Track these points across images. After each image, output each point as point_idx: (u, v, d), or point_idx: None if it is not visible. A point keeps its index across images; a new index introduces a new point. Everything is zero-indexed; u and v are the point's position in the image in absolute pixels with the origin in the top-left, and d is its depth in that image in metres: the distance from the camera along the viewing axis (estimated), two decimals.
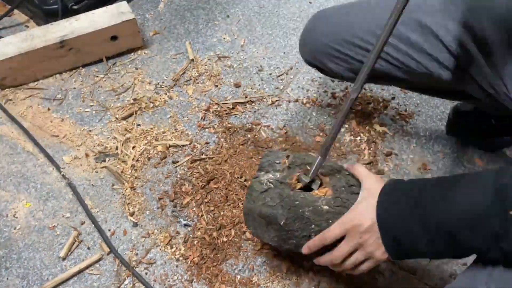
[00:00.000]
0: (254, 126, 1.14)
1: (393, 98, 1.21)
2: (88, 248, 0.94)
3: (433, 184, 0.60)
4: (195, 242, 0.94)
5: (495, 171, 0.54)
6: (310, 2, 1.48)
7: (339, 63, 0.89)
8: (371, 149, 1.09)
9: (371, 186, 0.67)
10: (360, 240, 0.64)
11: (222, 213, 0.98)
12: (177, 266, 0.91)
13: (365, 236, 0.63)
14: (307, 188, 0.75)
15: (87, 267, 0.91)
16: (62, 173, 1.05)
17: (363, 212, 0.64)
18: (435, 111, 1.18)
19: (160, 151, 1.09)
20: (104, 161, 1.08)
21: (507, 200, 0.51)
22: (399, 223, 0.60)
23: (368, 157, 1.08)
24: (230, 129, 1.13)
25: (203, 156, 1.08)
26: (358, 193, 0.70)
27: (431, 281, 0.90)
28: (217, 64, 1.30)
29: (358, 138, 1.11)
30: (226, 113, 1.17)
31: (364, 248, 0.64)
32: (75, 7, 1.35)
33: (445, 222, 0.56)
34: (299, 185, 0.75)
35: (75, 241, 0.95)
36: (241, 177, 1.03)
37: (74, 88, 1.24)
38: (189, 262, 0.91)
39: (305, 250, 0.72)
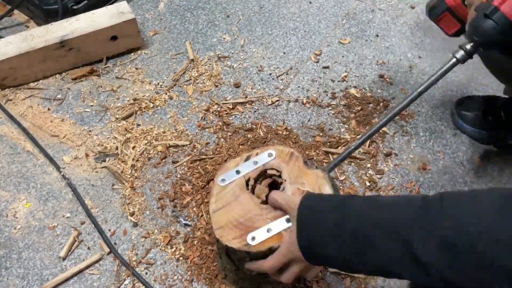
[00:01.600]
0: (254, 126, 1.14)
1: (393, 98, 1.21)
2: (88, 248, 0.94)
3: (357, 197, 0.62)
4: (195, 242, 0.94)
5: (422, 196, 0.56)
6: (310, 2, 1.48)
7: None
8: (372, 147, 1.09)
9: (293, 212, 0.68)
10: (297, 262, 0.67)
11: None
12: (177, 266, 0.91)
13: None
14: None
15: (87, 267, 0.91)
16: (62, 173, 1.05)
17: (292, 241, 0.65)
18: (435, 111, 1.18)
19: (160, 151, 1.09)
20: (104, 161, 1.08)
21: (429, 216, 0.51)
22: (314, 225, 0.61)
23: (368, 156, 1.08)
24: (230, 129, 1.13)
25: (203, 156, 1.08)
26: None
27: None
28: (217, 64, 1.30)
29: (358, 137, 1.11)
30: (226, 113, 1.17)
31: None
32: (75, 7, 1.35)
33: (361, 227, 0.56)
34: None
35: (75, 241, 0.95)
36: None
37: (74, 88, 1.24)
38: (189, 262, 0.91)
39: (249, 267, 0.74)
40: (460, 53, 0.74)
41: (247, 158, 0.80)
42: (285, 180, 0.76)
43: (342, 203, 0.61)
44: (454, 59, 0.75)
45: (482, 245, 0.46)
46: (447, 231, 0.49)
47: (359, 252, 0.56)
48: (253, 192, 0.77)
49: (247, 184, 0.77)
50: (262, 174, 0.79)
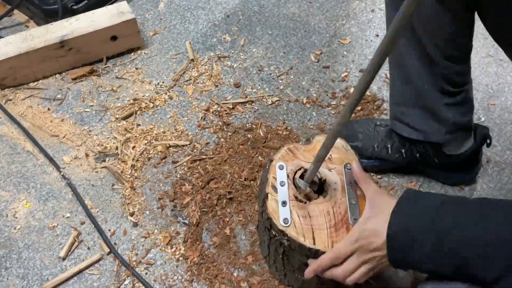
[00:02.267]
0: (254, 126, 1.14)
1: None
2: (88, 248, 0.94)
3: (455, 203, 0.58)
4: (195, 242, 0.94)
5: None
6: (310, 2, 1.48)
7: None
8: None
9: (382, 202, 0.65)
10: (369, 256, 0.63)
11: None
12: (177, 266, 0.91)
13: (375, 253, 0.62)
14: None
15: (87, 267, 0.91)
16: (62, 173, 1.05)
17: (374, 228, 0.62)
18: None
19: (160, 151, 1.09)
20: (104, 161, 1.08)
21: None
22: (410, 237, 0.57)
23: None
24: (230, 129, 1.13)
25: (203, 156, 1.08)
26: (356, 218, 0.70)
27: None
28: (217, 64, 1.30)
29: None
30: (226, 113, 1.17)
31: (371, 263, 0.64)
32: (75, 7, 1.35)
33: (460, 248, 0.53)
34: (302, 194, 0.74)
35: (75, 241, 0.95)
36: (241, 177, 1.03)
37: (74, 88, 1.24)
38: (189, 262, 0.91)
39: (309, 274, 0.70)
40: None
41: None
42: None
43: (436, 214, 0.57)
44: None
45: None
46: None
47: (457, 270, 0.54)
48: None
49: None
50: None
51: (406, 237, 0.58)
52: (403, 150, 0.98)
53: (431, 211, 0.57)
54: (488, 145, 0.95)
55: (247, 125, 1.15)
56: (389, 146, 0.98)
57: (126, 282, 0.89)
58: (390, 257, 0.60)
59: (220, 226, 0.96)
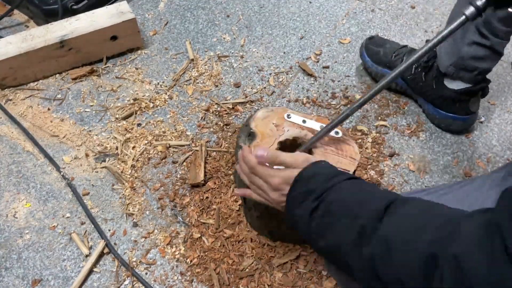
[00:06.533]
0: None
1: (393, 98, 1.21)
2: (88, 248, 0.94)
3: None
4: (195, 242, 0.94)
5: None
6: (310, 2, 1.48)
7: None
8: (373, 149, 1.09)
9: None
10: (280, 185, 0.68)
11: None
12: (177, 266, 0.91)
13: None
14: None
15: (87, 267, 0.91)
16: (62, 173, 1.05)
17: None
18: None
19: (160, 151, 1.09)
20: (104, 161, 1.08)
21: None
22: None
23: (371, 155, 1.07)
24: (230, 129, 1.13)
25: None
26: None
27: None
28: (217, 64, 1.30)
29: (361, 136, 1.11)
30: (226, 113, 1.17)
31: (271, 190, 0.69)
32: (75, 7, 1.35)
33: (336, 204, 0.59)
34: None
35: (75, 241, 0.95)
36: None
37: (74, 88, 1.24)
38: (189, 262, 0.91)
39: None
40: (469, 10, 0.66)
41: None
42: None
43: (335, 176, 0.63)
44: (463, 17, 0.67)
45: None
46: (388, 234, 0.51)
47: (325, 226, 0.59)
48: None
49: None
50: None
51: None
52: (413, 66, 1.11)
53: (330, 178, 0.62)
54: (483, 95, 1.08)
55: None
56: (404, 59, 1.14)
57: (126, 282, 0.89)
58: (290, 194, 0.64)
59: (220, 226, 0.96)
